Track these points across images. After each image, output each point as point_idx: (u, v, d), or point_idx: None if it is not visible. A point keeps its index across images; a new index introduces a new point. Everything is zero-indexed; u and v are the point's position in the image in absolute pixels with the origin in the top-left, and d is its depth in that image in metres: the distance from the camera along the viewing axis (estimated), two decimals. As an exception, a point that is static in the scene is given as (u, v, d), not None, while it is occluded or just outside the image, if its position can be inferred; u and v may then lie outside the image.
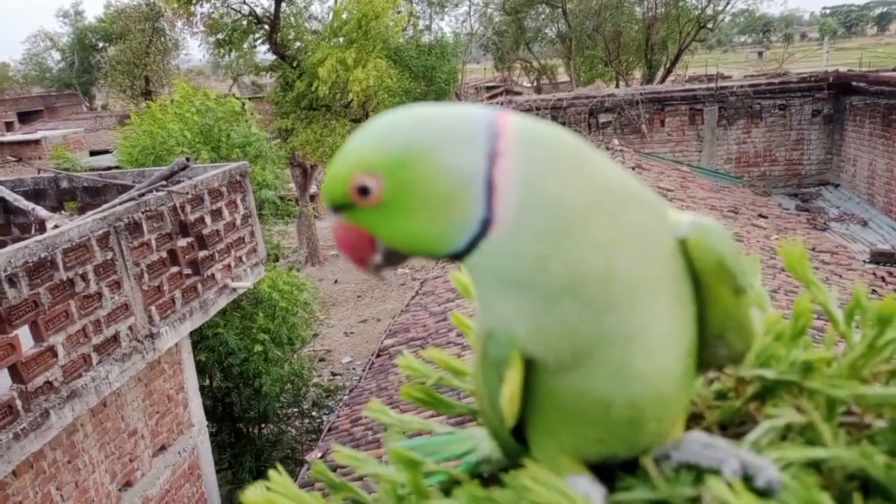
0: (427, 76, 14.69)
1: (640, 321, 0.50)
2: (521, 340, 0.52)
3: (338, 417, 7.09)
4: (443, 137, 0.49)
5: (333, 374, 12.18)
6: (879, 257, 7.14)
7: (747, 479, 0.51)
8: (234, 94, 9.53)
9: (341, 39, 15.24)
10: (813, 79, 10.10)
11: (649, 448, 0.57)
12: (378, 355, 8.02)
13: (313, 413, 9.62)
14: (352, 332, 14.41)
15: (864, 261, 7.05)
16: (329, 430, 6.85)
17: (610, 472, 0.58)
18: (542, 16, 21.13)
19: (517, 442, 0.61)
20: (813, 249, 7.13)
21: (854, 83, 9.41)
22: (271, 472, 0.62)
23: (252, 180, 7.96)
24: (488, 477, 0.67)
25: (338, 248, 0.56)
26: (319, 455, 6.35)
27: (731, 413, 0.65)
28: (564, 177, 0.48)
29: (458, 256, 0.51)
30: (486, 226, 0.49)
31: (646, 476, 0.56)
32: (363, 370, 8.50)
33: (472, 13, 21.90)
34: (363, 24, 14.88)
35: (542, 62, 22.85)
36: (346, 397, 8.85)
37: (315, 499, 0.57)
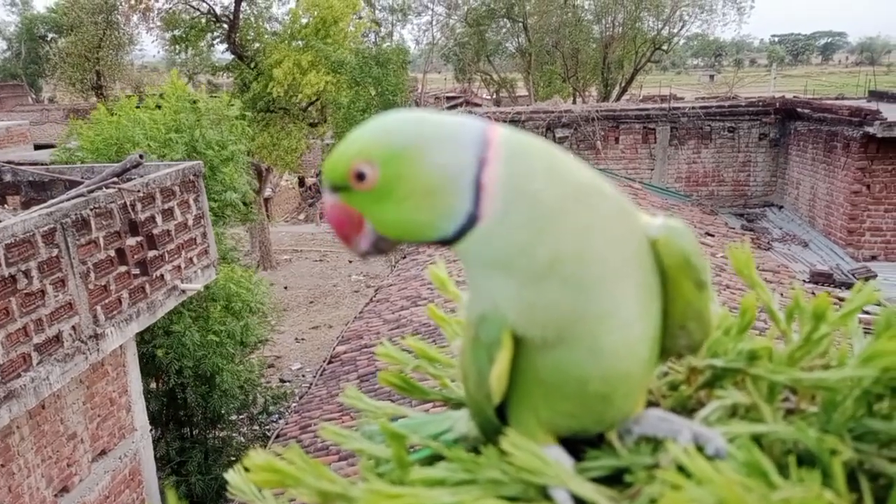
0: (373, 87, 14.76)
1: (612, 300, 0.57)
2: (512, 320, 0.58)
3: (286, 424, 7.00)
4: (438, 139, 0.56)
5: (282, 381, 12.01)
6: (818, 277, 7.43)
7: (698, 449, 0.56)
8: (223, 93, 9.38)
9: (300, 42, 15.15)
10: (761, 103, 10.48)
11: (614, 424, 0.63)
12: (330, 362, 7.95)
13: (261, 419, 9.48)
14: (302, 339, 14.26)
15: (803, 280, 7.33)
16: (277, 436, 6.76)
17: (575, 448, 0.63)
18: (504, 29, 21.42)
19: (498, 419, 0.66)
20: (757, 268, 7.37)
21: (799, 109, 9.80)
22: (251, 452, 0.64)
23: (221, 181, 7.85)
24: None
25: (328, 224, 0.63)
26: (266, 462, 6.27)
27: (683, 400, 0.70)
28: (543, 177, 0.56)
29: (446, 243, 0.58)
30: (472, 219, 0.56)
31: (610, 449, 0.61)
32: (314, 377, 8.42)
33: (434, 23, 22.07)
34: (321, 28, 14.84)
35: (502, 75, 23.15)
36: (295, 404, 8.76)
37: (315, 465, 0.59)
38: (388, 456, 0.68)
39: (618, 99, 19.71)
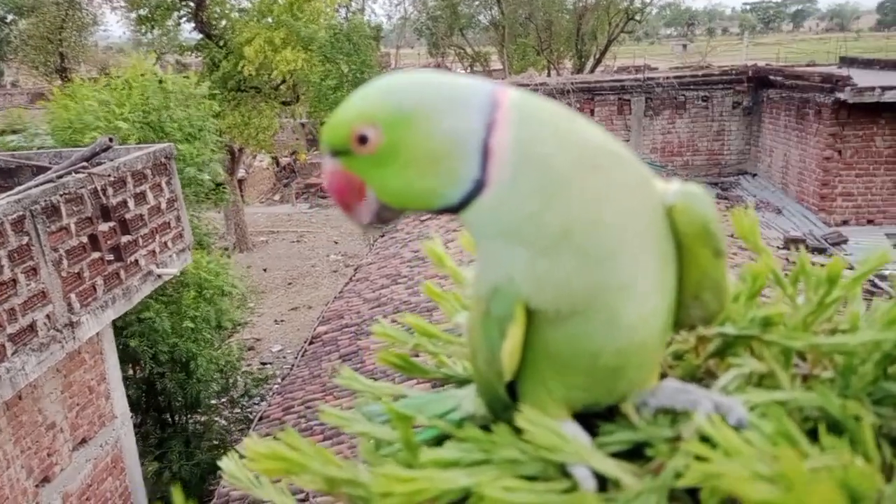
0: (345, 63, 14.54)
1: (631, 270, 0.54)
2: (525, 292, 0.55)
3: (269, 406, 6.98)
4: (444, 100, 0.54)
5: (263, 364, 11.97)
6: (792, 243, 7.54)
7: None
8: (186, 74, 9.15)
9: (270, 20, 14.84)
10: (734, 72, 10.52)
11: (628, 396, 0.61)
12: (311, 342, 7.93)
13: (243, 402, 9.45)
14: (282, 321, 14.18)
15: (777, 247, 7.42)
16: (260, 418, 6.75)
17: (587, 422, 0.61)
18: (476, 2, 21.20)
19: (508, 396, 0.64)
20: (732, 235, 7.47)
21: (771, 77, 9.85)
22: (246, 440, 0.61)
23: (187, 159, 7.69)
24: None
25: (328, 191, 0.59)
26: (251, 445, 6.25)
27: (691, 370, 0.69)
28: (554, 141, 0.53)
29: (451, 211, 0.55)
30: (479, 185, 0.53)
31: (624, 422, 0.59)
32: (295, 358, 8.39)
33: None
34: (294, 3, 14.55)
35: (476, 49, 22.95)
36: (277, 386, 8.72)
37: (320, 451, 0.57)
38: (392, 438, 0.66)
39: (592, 70, 19.65)
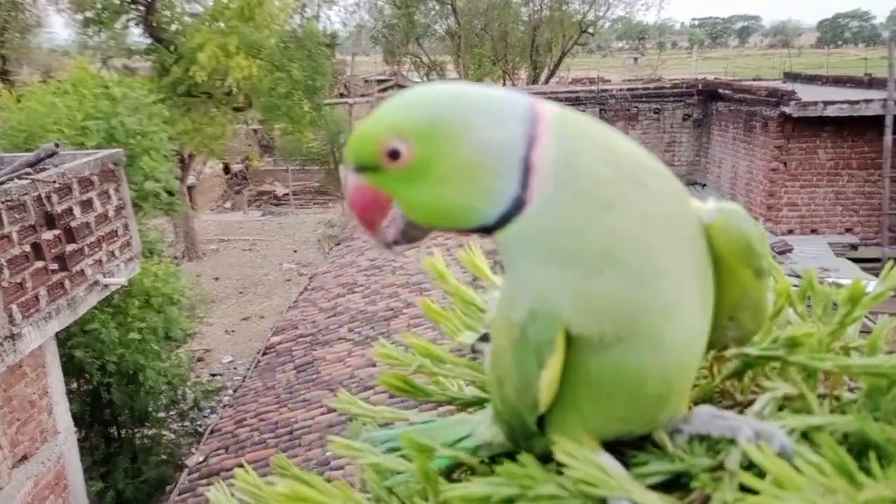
0: (297, 70, 14.39)
1: (675, 291, 0.52)
2: (567, 317, 0.52)
3: (221, 419, 6.82)
4: (481, 113, 0.51)
5: (213, 375, 11.68)
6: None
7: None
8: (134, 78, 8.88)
9: (223, 25, 14.58)
10: (684, 85, 10.78)
11: (661, 424, 0.58)
12: (264, 353, 7.78)
13: (193, 415, 9.19)
14: (233, 331, 13.89)
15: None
16: (211, 431, 6.58)
17: (613, 449, 0.58)
18: (433, 12, 21.26)
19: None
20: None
21: (720, 91, 10.13)
22: (238, 471, 0.56)
23: (142, 171, 7.47)
24: (487, 462, 0.65)
25: (350, 209, 0.56)
26: (202, 459, 6.07)
27: (709, 390, 0.67)
28: (599, 156, 0.51)
29: (486, 230, 0.52)
30: (519, 203, 0.50)
31: (657, 450, 0.57)
32: (247, 369, 8.20)
33: (361, 4, 21.69)
34: (246, 10, 14.32)
35: (432, 58, 23.01)
36: (228, 398, 8.51)
37: (342, 489, 0.52)
38: (402, 468, 0.62)
39: (547, 82, 19.91)
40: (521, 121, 0.50)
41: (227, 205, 23.09)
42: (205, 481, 5.54)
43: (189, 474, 5.88)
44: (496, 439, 0.64)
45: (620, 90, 10.74)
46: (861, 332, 0.72)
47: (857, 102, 8.07)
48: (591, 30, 21.31)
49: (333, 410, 5.81)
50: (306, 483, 0.54)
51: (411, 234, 0.55)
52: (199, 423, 9.08)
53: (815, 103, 8.06)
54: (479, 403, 0.74)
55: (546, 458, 0.57)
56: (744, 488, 0.49)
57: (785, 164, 8.55)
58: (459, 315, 0.78)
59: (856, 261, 7.72)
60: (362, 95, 23.01)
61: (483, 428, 0.66)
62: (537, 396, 0.54)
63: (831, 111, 8.03)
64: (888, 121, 7.79)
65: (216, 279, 16.39)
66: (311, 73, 14.66)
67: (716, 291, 0.57)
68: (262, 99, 14.76)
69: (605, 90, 10.71)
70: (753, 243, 0.56)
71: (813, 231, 8.59)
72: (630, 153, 0.52)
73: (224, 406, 7.59)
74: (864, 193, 8.41)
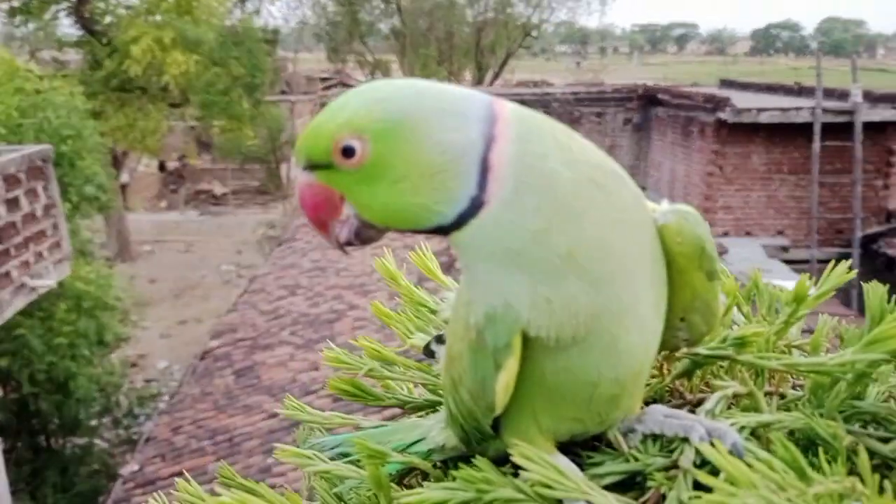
0: (235, 67, 14.14)
1: (631, 295, 0.52)
2: (525, 320, 0.51)
3: (156, 426, 6.62)
4: (440, 112, 0.50)
5: (148, 381, 11.33)
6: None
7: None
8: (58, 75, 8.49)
9: (159, 18, 14.16)
10: (625, 90, 11.04)
11: (615, 424, 0.58)
12: (202, 358, 7.59)
13: (126, 422, 8.88)
14: (169, 335, 13.51)
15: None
16: (147, 439, 6.39)
17: (566, 450, 0.58)
18: (377, 10, 21.16)
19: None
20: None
21: (659, 96, 10.42)
22: (178, 481, 0.53)
23: (81, 175, 7.17)
24: (440, 466, 0.64)
25: (300, 208, 0.54)
26: (137, 468, 5.87)
27: (659, 390, 0.68)
28: (558, 157, 0.50)
29: (443, 231, 0.51)
30: (477, 203, 0.49)
31: (611, 451, 0.57)
32: (184, 375, 7.98)
33: (304, 1, 21.41)
34: (183, 3, 13.95)
35: (377, 57, 22.91)
36: (164, 404, 8.25)
37: (289, 496, 0.50)
38: (353, 475, 0.60)
39: (492, 84, 20.06)
40: (479, 120, 0.50)
41: (163, 204, 22.43)
42: (140, 491, 5.36)
43: (123, 484, 5.68)
44: (449, 443, 0.64)
45: (564, 94, 10.92)
46: (802, 331, 0.74)
47: (789, 110, 8.43)
48: (534, 33, 21.62)
49: (275, 416, 5.73)
50: (252, 492, 0.52)
51: (365, 234, 0.53)
52: (133, 430, 8.80)
53: (750, 110, 8.37)
54: (430, 407, 0.73)
55: (500, 461, 0.56)
56: (698, 486, 0.50)
57: (721, 168, 8.84)
58: (410, 317, 0.76)
59: (787, 262, 8.05)
60: (305, 93, 22.71)
61: (436, 432, 0.65)
62: (493, 399, 0.54)
63: (764, 118, 8.36)
64: (816, 128, 8.15)
65: (152, 282, 15.89)
66: (251, 69, 14.39)
67: (668, 293, 0.57)
68: (199, 95, 14.40)
69: (549, 93, 10.88)
70: (706, 245, 0.56)
71: (747, 233, 8.92)
72: (587, 153, 0.52)
73: (160, 413, 7.37)
74: (795, 197, 8.78)
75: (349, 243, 0.54)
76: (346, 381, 0.69)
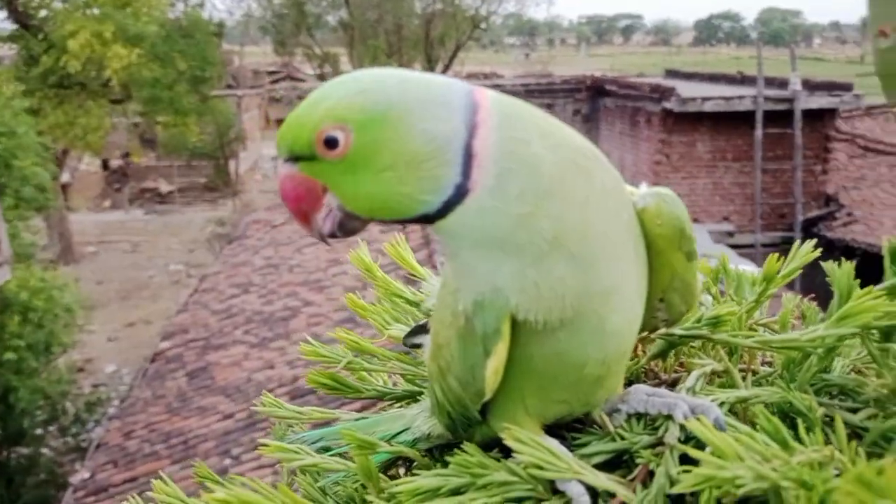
0: (181, 61, 13.79)
1: (616, 275, 0.53)
2: (514, 304, 0.51)
3: (107, 432, 6.47)
4: (423, 101, 0.50)
5: (95, 386, 11.01)
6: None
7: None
8: None
9: (97, 11, 13.69)
10: (573, 81, 11.18)
11: (600, 404, 0.59)
12: (152, 360, 7.42)
13: (75, 430, 8.62)
14: (116, 338, 13.15)
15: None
16: (97, 446, 6.23)
17: (553, 432, 0.59)
18: (324, 2, 20.90)
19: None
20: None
21: (607, 87, 10.59)
22: (156, 483, 0.52)
23: (15, 175, 6.90)
24: (426, 455, 0.65)
25: (282, 200, 0.53)
26: (88, 475, 5.72)
27: (636, 370, 0.69)
28: (540, 143, 0.51)
29: (428, 220, 0.51)
30: (461, 191, 0.49)
31: (597, 430, 0.58)
32: (134, 378, 7.78)
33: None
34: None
35: (325, 49, 22.64)
36: (114, 409, 8.03)
37: (283, 491, 0.49)
38: (340, 467, 0.60)
39: (443, 75, 20.02)
40: (461, 108, 0.50)
41: (107, 203, 21.77)
42: (92, 499, 5.23)
43: (74, 492, 5.53)
44: (434, 431, 0.64)
45: (514, 85, 11.01)
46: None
47: (731, 98, 8.68)
48: (483, 25, 21.69)
49: (230, 416, 5.64)
50: (249, 487, 0.51)
51: (349, 225, 0.53)
52: (82, 437, 8.55)
53: (694, 99, 8.59)
54: (410, 397, 0.73)
55: (487, 447, 0.57)
56: (683, 461, 0.51)
57: (667, 156, 9.05)
58: (387, 308, 0.76)
59: (733, 247, 8.30)
60: (252, 87, 22.29)
61: (420, 421, 0.65)
62: (483, 385, 0.54)
63: (708, 107, 8.59)
64: (758, 116, 8.42)
65: (98, 283, 15.43)
66: (201, 62, 14.04)
67: (648, 274, 0.59)
68: (144, 90, 13.99)
69: (500, 85, 10.94)
70: (685, 227, 0.57)
71: (694, 220, 9.14)
72: (568, 137, 0.53)
73: (110, 418, 7.19)
74: (739, 184, 9.05)
75: (333, 235, 0.53)
76: (324, 375, 0.69)
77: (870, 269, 0.76)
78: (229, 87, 21.14)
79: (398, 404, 0.75)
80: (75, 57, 12.87)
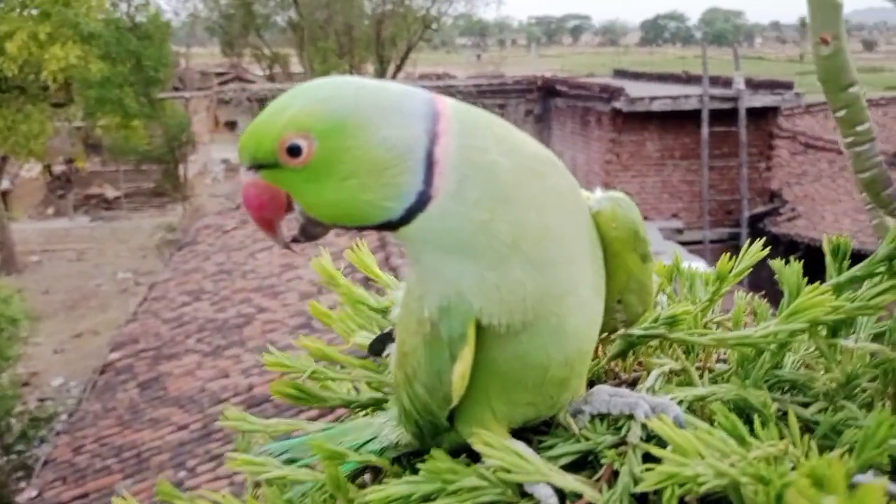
0: (131, 62, 13.46)
1: (573, 277, 0.54)
2: (477, 308, 0.53)
3: (55, 447, 6.26)
4: (384, 109, 0.51)
5: (41, 400, 10.65)
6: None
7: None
8: None
9: (34, 12, 13.24)
10: (525, 82, 11.29)
11: (564, 406, 0.60)
12: (102, 372, 7.22)
13: (20, 447, 8.32)
14: (63, 350, 12.74)
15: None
16: (45, 463, 6.03)
17: (519, 437, 0.60)
18: (272, 2, 20.61)
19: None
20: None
21: (558, 87, 10.73)
22: (114, 500, 0.52)
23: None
24: (396, 462, 0.65)
25: (245, 208, 0.54)
26: (35, 493, 5.53)
27: (596, 371, 0.71)
28: (497, 150, 0.52)
29: (390, 226, 0.52)
30: (423, 198, 0.51)
31: (562, 432, 0.59)
32: (83, 391, 7.56)
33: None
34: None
35: (274, 50, 22.33)
36: (62, 424, 7.78)
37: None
38: (309, 478, 0.60)
39: (394, 76, 20.00)
40: (422, 116, 0.51)
41: (50, 211, 21.05)
42: (42, 517, 5.05)
43: (23, 512, 5.33)
44: (402, 440, 0.64)
45: (467, 86, 11.06)
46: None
47: (678, 98, 8.89)
48: (434, 26, 21.71)
49: (184, 427, 5.52)
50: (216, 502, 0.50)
51: (311, 231, 0.54)
52: (28, 455, 8.25)
53: (643, 99, 8.78)
54: (375, 405, 0.73)
55: (455, 453, 0.57)
56: (646, 459, 0.52)
57: (618, 155, 9.22)
58: (351, 315, 0.76)
59: (682, 243, 8.50)
60: (199, 89, 21.82)
61: (388, 430, 0.66)
62: (450, 390, 0.55)
63: (656, 106, 8.79)
64: (704, 115, 8.64)
65: (44, 293, 14.92)
66: (156, 62, 13.71)
67: (605, 276, 0.60)
68: (93, 90, 13.59)
69: (452, 85, 10.98)
70: (640, 230, 0.60)
71: (645, 218, 9.00)
72: (524, 144, 0.54)
73: (58, 433, 6.96)
74: (687, 181, 9.28)
75: (295, 240, 0.54)
76: (288, 385, 0.68)
77: (813, 263, 0.80)
78: (176, 89, 20.67)
79: (363, 412, 0.74)
80: (12, 59, 12.43)
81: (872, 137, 0.58)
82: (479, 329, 0.53)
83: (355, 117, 0.50)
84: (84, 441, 5.95)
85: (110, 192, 21.41)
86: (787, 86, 9.32)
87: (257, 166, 0.52)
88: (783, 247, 7.77)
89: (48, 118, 14.99)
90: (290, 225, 0.55)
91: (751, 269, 0.72)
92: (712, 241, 8.77)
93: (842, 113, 0.58)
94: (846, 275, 0.61)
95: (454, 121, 0.51)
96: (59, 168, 21.23)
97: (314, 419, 0.76)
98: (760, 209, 9.21)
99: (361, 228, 0.53)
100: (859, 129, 0.58)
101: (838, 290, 0.63)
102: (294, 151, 0.49)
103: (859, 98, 0.58)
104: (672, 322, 0.66)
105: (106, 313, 14.05)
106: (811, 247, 7.53)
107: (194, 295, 8.04)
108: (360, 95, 0.51)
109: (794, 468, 0.48)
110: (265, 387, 5.55)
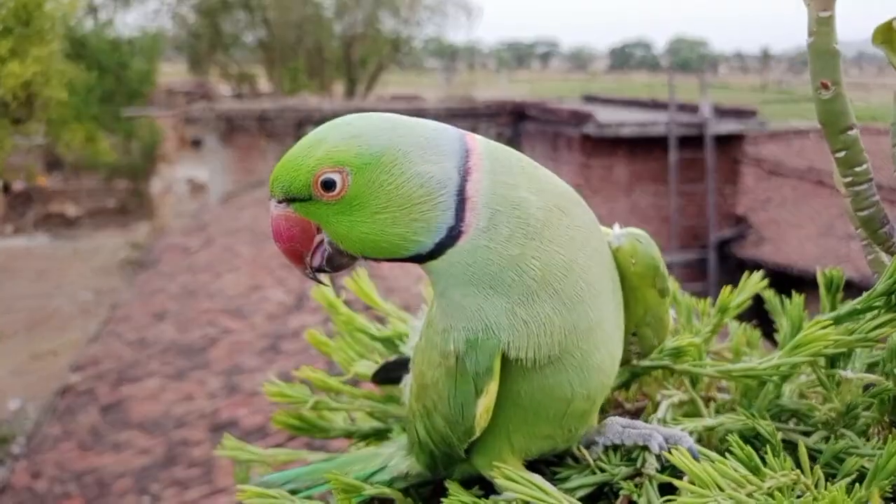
0: (116, 74, 13.30)
1: (598, 312, 0.55)
2: (505, 342, 0.53)
3: (12, 473, 6.06)
4: (417, 146, 0.52)
5: (-3, 424, 10.32)
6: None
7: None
8: None
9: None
10: (495, 105, 11.42)
11: (580, 438, 0.61)
12: (62, 394, 7.03)
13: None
14: (21, 372, 12.37)
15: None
16: (2, 489, 5.84)
17: (534, 468, 0.60)
18: (241, 22, 20.58)
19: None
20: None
21: (528, 111, 10.86)
22: None
23: None
24: (407, 493, 0.64)
25: (275, 240, 0.55)
26: (-10, 523, 5.35)
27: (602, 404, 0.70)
28: (527, 186, 0.53)
29: (419, 260, 0.53)
30: (454, 234, 0.51)
31: (576, 464, 0.60)
32: (42, 414, 7.34)
33: (163, 10, 20.38)
34: (23, 12, 12.90)
35: (243, 69, 22.26)
36: (20, 449, 7.53)
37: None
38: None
39: (365, 97, 20.06)
40: (454, 153, 0.52)
41: (9, 229, 20.55)
42: (-3, 547, 4.87)
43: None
44: (413, 470, 0.64)
45: (437, 109, 11.13)
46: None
47: (647, 124, 9.06)
48: (404, 48, 21.86)
49: (147, 452, 5.38)
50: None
51: (338, 261, 0.54)
52: (-18, 482, 7.95)
53: (611, 125, 8.92)
54: (376, 435, 0.72)
55: (466, 484, 0.57)
56: (662, 490, 0.53)
57: (587, 179, 9.34)
58: (350, 344, 0.75)
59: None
60: (167, 108, 21.58)
61: (397, 460, 0.65)
62: (473, 423, 0.55)
63: (625, 132, 8.95)
64: (672, 141, 8.82)
65: (2, 314, 14.50)
66: (142, 76, 13.54)
67: (624, 309, 0.61)
68: (74, 99, 13.38)
69: (423, 108, 11.05)
70: (659, 265, 0.61)
71: None
72: (551, 182, 0.56)
73: (15, 458, 6.74)
74: (656, 206, 9.43)
75: (321, 270, 0.55)
76: (291, 415, 0.68)
77: (778, 286, 0.82)
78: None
79: (362, 443, 0.74)
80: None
81: (870, 178, 0.61)
82: (505, 363, 0.54)
83: (389, 153, 0.51)
84: (43, 466, 5.78)
85: (72, 211, 20.97)
86: (752, 113, 9.58)
87: (289, 199, 0.52)
88: (750, 271, 7.92)
89: (8, 135, 14.68)
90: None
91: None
92: (680, 265, 8.91)
93: (841, 154, 0.60)
94: (847, 308, 0.63)
95: (485, 157, 0.53)
96: (18, 185, 20.76)
97: (279, 445, 0.75)
98: (727, 233, 9.40)
99: (391, 261, 0.54)
100: (857, 169, 0.61)
101: (837, 321, 0.65)
102: (328, 186, 0.50)
103: (857, 140, 0.60)
104: (677, 353, 0.67)
105: (66, 334, 13.69)
106: (776, 271, 7.69)
107: (158, 316, 7.90)
108: (392, 131, 0.52)
109: (800, 497, 0.49)
110: (231, 410, 5.45)
